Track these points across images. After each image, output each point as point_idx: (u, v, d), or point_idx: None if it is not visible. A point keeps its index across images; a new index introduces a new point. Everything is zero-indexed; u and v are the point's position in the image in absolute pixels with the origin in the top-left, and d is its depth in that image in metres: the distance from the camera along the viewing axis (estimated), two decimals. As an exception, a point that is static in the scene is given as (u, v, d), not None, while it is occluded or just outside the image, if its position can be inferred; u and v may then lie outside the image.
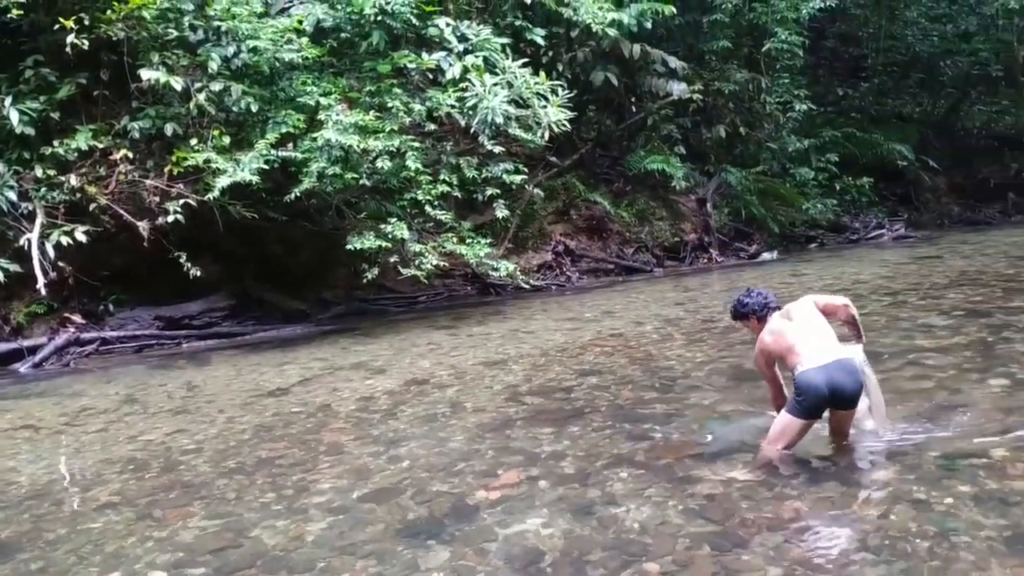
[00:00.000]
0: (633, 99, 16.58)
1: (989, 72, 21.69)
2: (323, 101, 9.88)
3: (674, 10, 14.73)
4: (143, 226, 9.35)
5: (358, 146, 9.58)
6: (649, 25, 14.74)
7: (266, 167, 9.38)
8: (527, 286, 12.39)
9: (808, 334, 4.27)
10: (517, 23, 13.43)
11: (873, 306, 9.24)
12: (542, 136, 11.22)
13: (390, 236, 10.10)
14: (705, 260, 16.07)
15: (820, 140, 18.53)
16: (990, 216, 21.20)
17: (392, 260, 10.59)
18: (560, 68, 14.27)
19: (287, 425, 6.01)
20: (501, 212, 11.46)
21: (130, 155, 9.52)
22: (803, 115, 17.93)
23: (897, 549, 3.28)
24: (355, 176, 9.85)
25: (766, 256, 16.31)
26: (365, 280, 10.46)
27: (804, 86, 18.44)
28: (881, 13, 21.31)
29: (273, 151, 9.44)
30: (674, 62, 15.38)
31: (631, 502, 3.93)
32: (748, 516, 3.68)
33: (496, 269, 11.51)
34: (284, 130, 9.70)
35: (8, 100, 9.03)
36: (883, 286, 10.78)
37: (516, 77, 10.98)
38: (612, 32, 13.53)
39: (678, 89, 15.24)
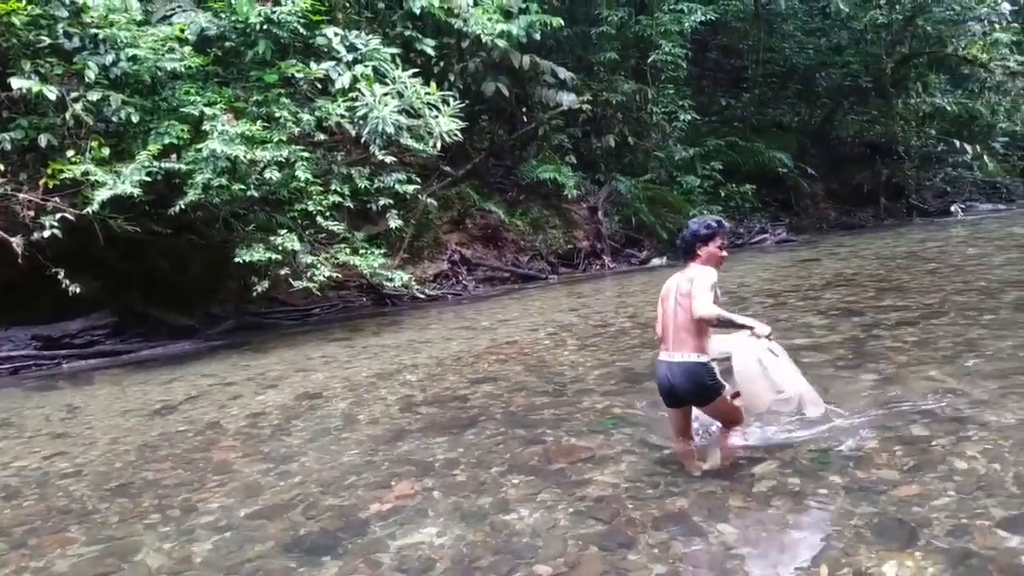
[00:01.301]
0: (524, 109, 16.79)
1: (860, 84, 22.85)
2: (208, 111, 9.65)
3: (562, 22, 15.03)
4: (16, 242, 8.91)
5: (245, 157, 9.39)
6: (538, 36, 14.99)
7: (148, 179, 9.08)
8: (423, 296, 12.38)
9: (665, 321, 4.50)
10: (407, 33, 13.43)
11: (756, 308, 9.62)
12: (434, 146, 11.24)
13: (280, 248, 9.93)
14: (598, 266, 16.39)
15: (705, 149, 19.16)
16: (864, 220, 22.32)
17: (283, 272, 10.39)
18: (452, 78, 14.34)
19: (173, 444, 5.83)
20: (394, 222, 11.43)
21: (1, 167, 9.07)
22: (688, 125, 18.51)
23: (774, 540, 3.44)
24: (243, 187, 9.64)
25: (656, 261, 16.75)
26: (255, 293, 10.25)
27: (689, 96, 19.04)
28: (760, 27, 22.19)
29: (156, 162, 9.16)
30: (563, 73, 15.67)
31: (523, 507, 3.99)
32: (635, 515, 3.78)
33: (391, 279, 11.44)
34: (167, 141, 9.42)
35: None
36: (765, 288, 11.23)
37: (407, 87, 10.99)
38: (502, 43, 13.69)
39: (568, 99, 15.52)
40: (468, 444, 5.11)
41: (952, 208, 22.23)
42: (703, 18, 17.66)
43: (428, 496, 4.29)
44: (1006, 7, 20.78)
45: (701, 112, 20.24)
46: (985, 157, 22.56)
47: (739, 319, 4.27)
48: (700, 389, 4.30)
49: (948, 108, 22.40)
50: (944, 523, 3.43)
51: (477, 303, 12.92)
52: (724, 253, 4.50)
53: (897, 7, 20.77)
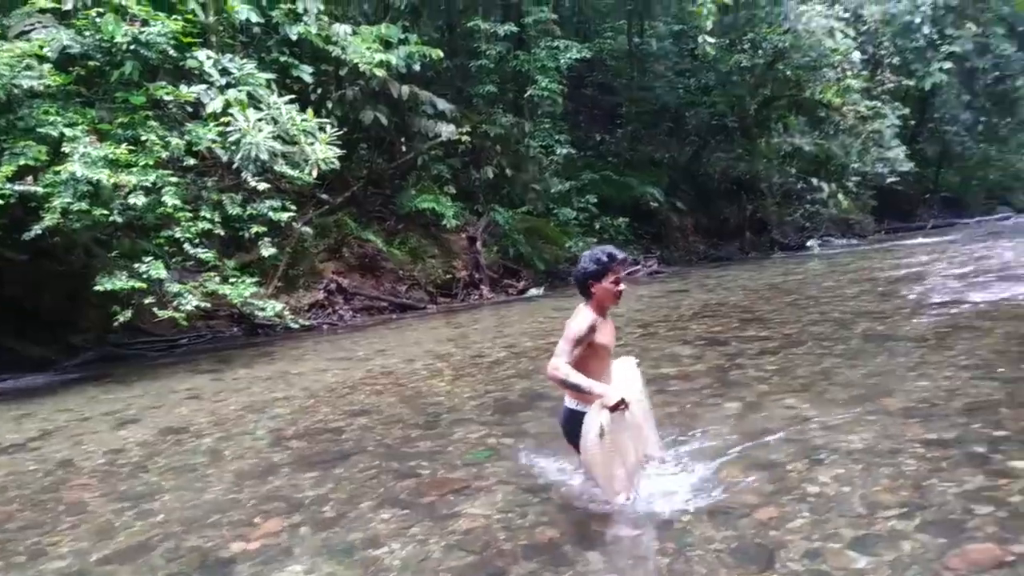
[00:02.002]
0: (403, 139, 16.79)
1: (726, 123, 23.98)
2: (68, 132, 9.23)
3: (442, 54, 15.15)
4: None
5: (109, 181, 9.01)
6: (418, 67, 15.06)
7: (1, 202, 8.57)
8: (296, 326, 12.12)
9: None
10: (283, 59, 13.24)
11: (627, 338, 9.86)
12: (310, 173, 11.09)
13: (145, 276, 9.55)
14: (477, 297, 16.46)
15: (580, 182, 19.63)
16: (730, 253, 23.32)
17: (148, 301, 9.97)
18: (329, 106, 14.22)
19: (22, 485, 5.47)
20: (267, 251, 11.18)
21: None
22: (564, 158, 18.93)
23: (640, 567, 3.52)
24: (105, 212, 9.24)
25: (533, 292, 16.98)
26: (118, 323, 9.79)
27: (565, 131, 19.50)
28: (633, 66, 23.01)
29: (9, 184, 8.66)
30: (443, 104, 15.78)
31: (393, 542, 3.94)
32: (505, 547, 3.79)
33: (263, 309, 11.16)
34: (23, 162, 8.94)
35: None
36: (636, 318, 11.53)
37: (282, 113, 10.82)
38: (380, 72, 13.68)
39: (447, 131, 15.62)
40: (339, 478, 5.01)
41: (808, 243, 23.50)
42: (578, 55, 18.15)
43: (295, 533, 4.17)
44: (856, 56, 22.31)
45: (577, 146, 20.76)
46: (840, 195, 24.04)
47: (586, 384, 3.88)
48: (570, 437, 4.15)
49: (806, 148, 23.75)
50: (799, 545, 3.59)
51: (354, 333, 12.74)
52: (620, 288, 4.13)
53: (760, 52, 21.96)
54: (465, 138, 16.02)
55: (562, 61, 17.87)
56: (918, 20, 26.86)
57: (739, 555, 3.54)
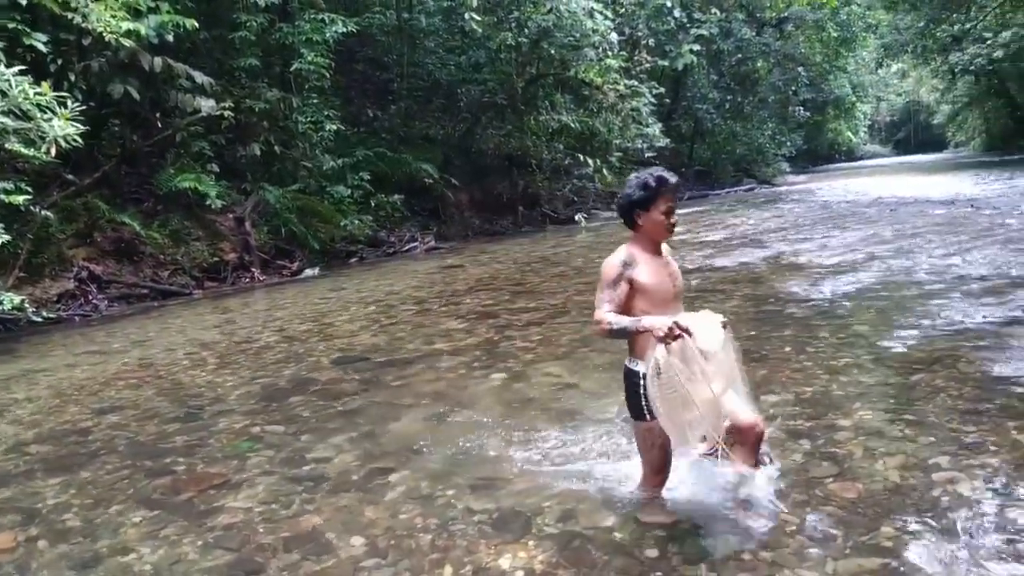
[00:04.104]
0: (159, 114, 15.70)
1: (496, 100, 24.39)
2: None
3: (196, 24, 14.27)
4: None
5: None
6: (171, 38, 14.11)
7: None
8: (40, 319, 11.08)
9: None
10: (12, 26, 11.92)
11: (402, 315, 9.88)
12: (47, 151, 10.11)
13: None
14: (247, 280, 15.80)
15: (354, 159, 19.28)
16: (504, 227, 23.85)
17: None
18: (72, 79, 12.99)
19: None
20: (1, 238, 10.10)
21: None
22: (336, 135, 18.50)
23: (403, 548, 3.53)
24: None
25: (308, 272, 16.54)
26: None
27: (336, 107, 19.04)
28: (403, 41, 22.83)
29: None
30: (201, 77, 14.89)
31: (144, 546, 3.72)
32: (266, 540, 3.69)
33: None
34: None
35: None
36: (412, 295, 11.57)
37: (12, 86, 9.77)
38: (128, 43, 12.68)
39: (207, 105, 14.79)
40: (84, 483, 4.65)
41: (576, 216, 24.53)
42: (344, 29, 17.75)
43: (32, 547, 3.83)
44: (614, 37, 23.41)
45: (350, 123, 20.35)
46: (604, 170, 25.19)
47: (630, 323, 3.27)
48: (627, 399, 3.56)
49: (572, 125, 24.65)
50: (555, 509, 3.76)
51: (110, 324, 11.83)
52: (672, 220, 3.44)
53: (525, 30, 22.48)
54: (228, 113, 15.22)
55: (328, 35, 17.39)
56: (669, 4, 28.62)
57: (498, 525, 3.65)
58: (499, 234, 22.17)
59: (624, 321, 3.27)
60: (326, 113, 18.05)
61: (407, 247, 19.71)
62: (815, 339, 6.58)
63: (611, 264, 3.37)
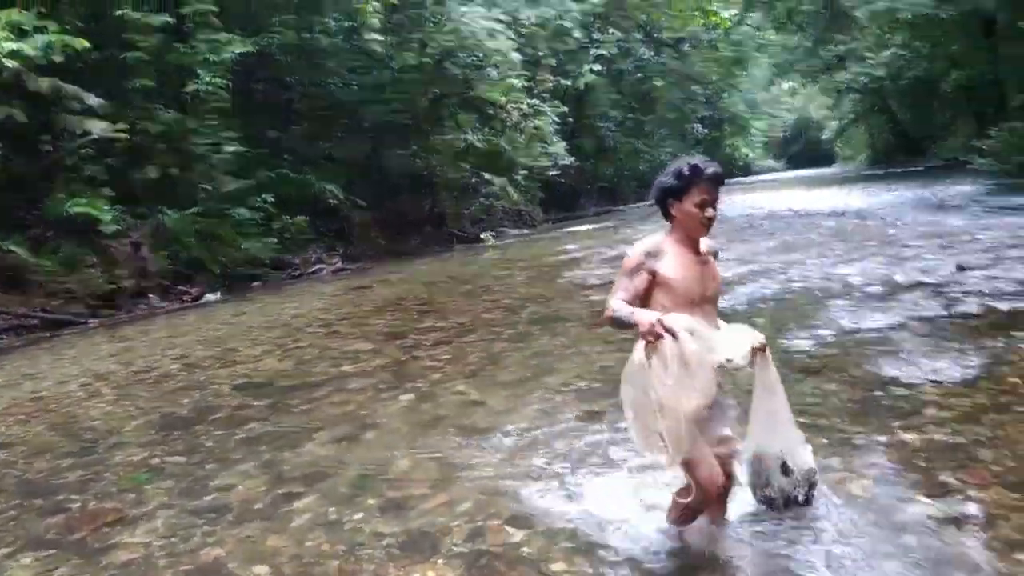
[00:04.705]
0: (49, 137, 15.10)
1: (401, 120, 24.35)
2: None
3: (87, 44, 13.83)
4: None
5: None
6: (61, 59, 13.62)
7: None
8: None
9: None
10: None
11: (308, 338, 9.73)
12: (-75, 179, 9.62)
13: None
14: (145, 307, 15.29)
15: (256, 181, 18.92)
16: (412, 247, 23.74)
17: None
18: (-49, 100, 12.43)
19: None
20: None
21: None
22: (236, 156, 18.15)
23: (309, 575, 3.48)
24: None
25: (210, 297, 16.11)
26: None
27: (237, 127, 18.68)
28: (305, 61, 22.59)
29: None
30: (93, 99, 14.43)
31: (34, 589, 3.56)
32: (166, 574, 3.58)
33: None
34: None
35: None
36: (318, 318, 11.41)
37: None
38: (12, 64, 12.20)
39: (99, 127, 14.32)
40: (-31, 526, 4.42)
41: (483, 235, 24.65)
42: (243, 49, 17.47)
43: (-89, 597, 3.62)
44: (516, 57, 23.74)
45: (251, 144, 19.96)
46: (510, 188, 25.47)
47: (626, 314, 3.04)
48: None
49: (478, 144, 24.87)
50: (464, 528, 3.76)
51: (-2, 357, 11.29)
52: (709, 213, 3.12)
53: (428, 50, 22.57)
54: (122, 135, 14.77)
55: (225, 55, 17.07)
56: (569, 25, 29.20)
57: (407, 546, 3.63)
58: (407, 254, 22.05)
59: (624, 311, 3.03)
60: (226, 134, 17.67)
61: (313, 269, 19.41)
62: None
63: (633, 252, 3.16)
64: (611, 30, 33.54)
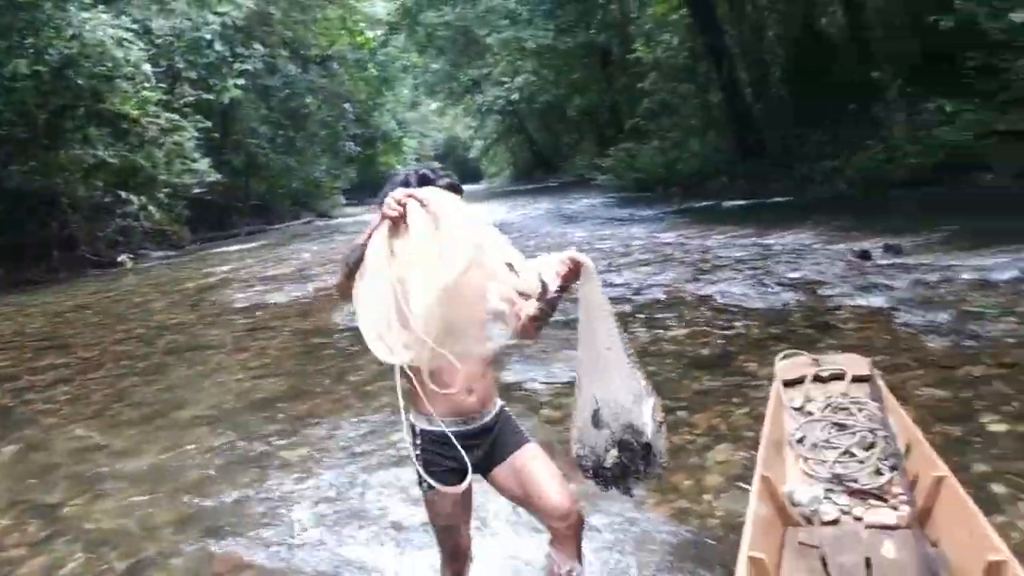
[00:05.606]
0: None
1: (16, 134, 21.68)
2: None
3: None
4: None
5: None
6: None
7: None
8: None
9: None
10: None
11: None
12: None
13: None
14: None
15: None
16: (37, 275, 21.27)
17: None
18: None
19: None
20: None
21: None
22: None
23: None
24: None
25: None
26: None
27: None
28: None
29: None
30: None
31: None
32: None
33: None
34: None
35: None
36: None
37: None
38: None
39: None
40: None
41: (120, 258, 22.79)
42: None
43: None
44: (148, 68, 22.29)
45: None
46: (151, 207, 23.77)
47: (352, 244, 2.48)
48: None
49: (111, 161, 22.88)
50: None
51: None
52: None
53: (46, 57, 20.35)
54: None
55: None
56: (209, 37, 27.98)
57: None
58: (31, 283, 19.73)
59: (346, 248, 2.52)
60: None
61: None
62: (355, 369, 6.89)
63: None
64: (255, 45, 32.60)
